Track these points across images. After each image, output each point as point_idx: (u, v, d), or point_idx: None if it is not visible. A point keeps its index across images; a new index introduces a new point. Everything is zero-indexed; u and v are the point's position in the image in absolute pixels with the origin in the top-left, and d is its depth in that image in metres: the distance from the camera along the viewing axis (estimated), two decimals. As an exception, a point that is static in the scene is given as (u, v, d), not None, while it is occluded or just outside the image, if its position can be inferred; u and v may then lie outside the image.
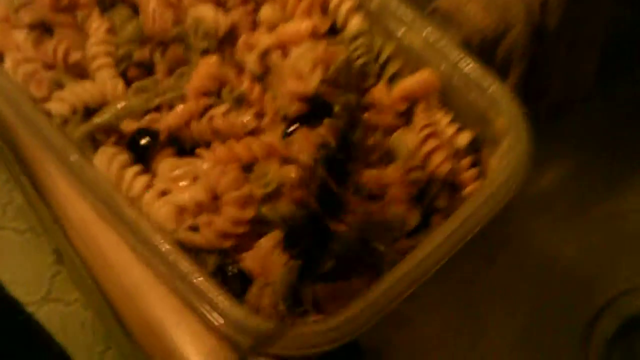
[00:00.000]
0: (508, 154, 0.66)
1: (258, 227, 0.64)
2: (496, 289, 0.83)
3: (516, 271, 0.83)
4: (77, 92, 0.67)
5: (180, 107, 0.67)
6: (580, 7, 0.95)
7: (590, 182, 0.98)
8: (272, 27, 0.74)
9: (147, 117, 0.67)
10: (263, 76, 0.72)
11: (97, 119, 0.67)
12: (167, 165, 0.64)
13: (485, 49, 0.92)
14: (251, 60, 0.72)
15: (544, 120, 0.98)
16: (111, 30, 0.72)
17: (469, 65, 0.70)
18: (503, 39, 0.91)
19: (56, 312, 1.17)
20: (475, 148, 0.72)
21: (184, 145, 0.68)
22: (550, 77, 1.02)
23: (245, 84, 0.69)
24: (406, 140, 0.70)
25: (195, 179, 0.64)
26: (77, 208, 0.70)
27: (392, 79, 0.72)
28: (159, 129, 0.66)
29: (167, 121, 0.66)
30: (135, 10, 0.74)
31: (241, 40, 0.73)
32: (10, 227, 1.23)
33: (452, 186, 0.71)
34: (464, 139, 0.72)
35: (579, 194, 0.91)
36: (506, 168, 0.64)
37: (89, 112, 0.68)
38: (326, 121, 0.66)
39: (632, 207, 0.95)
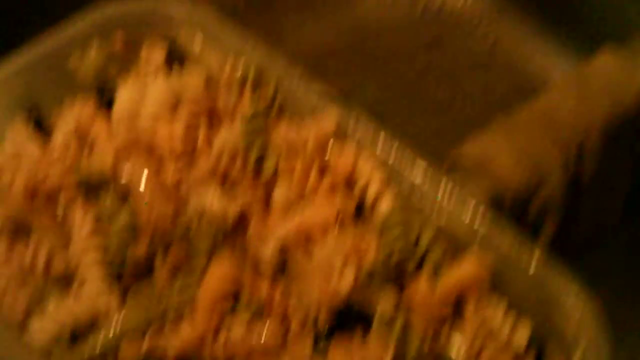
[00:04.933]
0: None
1: None
2: None
3: None
4: (61, 318, 0.54)
5: (189, 329, 0.55)
6: (613, 149, 0.86)
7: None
8: (287, 211, 0.63)
9: (149, 340, 0.55)
10: (282, 274, 0.61)
11: (88, 348, 0.54)
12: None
13: (518, 207, 0.82)
14: (268, 256, 0.60)
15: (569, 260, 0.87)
16: (97, 230, 0.60)
17: (526, 254, 0.59)
18: (537, 195, 0.81)
19: None
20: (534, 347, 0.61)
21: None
22: (580, 222, 0.92)
23: (264, 290, 0.58)
24: (458, 345, 0.59)
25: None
26: None
27: (436, 270, 0.61)
28: (164, 355, 0.54)
29: (175, 346, 0.54)
30: (126, 198, 0.62)
31: (252, 231, 0.62)
32: None
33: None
34: (523, 337, 0.60)
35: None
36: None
37: (75, 336, 0.55)
38: (373, 341, 0.55)
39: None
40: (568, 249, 0.91)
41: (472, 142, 0.81)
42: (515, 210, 0.80)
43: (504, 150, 0.80)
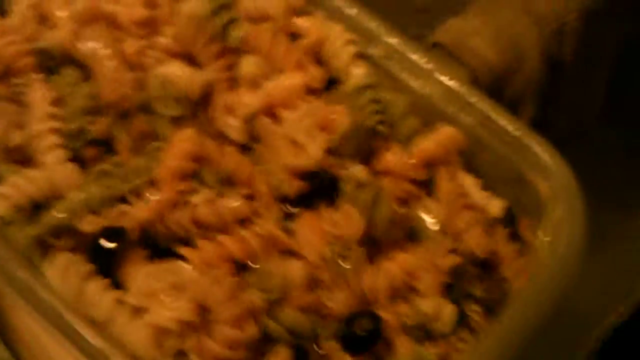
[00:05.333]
0: (563, 231, 0.53)
1: (260, 344, 0.50)
2: None
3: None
4: (20, 186, 0.52)
5: (153, 197, 0.52)
6: (595, 30, 0.83)
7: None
8: (255, 85, 0.60)
9: (111, 212, 0.53)
10: (249, 145, 0.59)
11: (48, 219, 0.52)
12: (141, 274, 0.50)
13: (494, 88, 0.80)
14: (234, 127, 0.58)
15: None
16: (58, 101, 0.58)
17: (501, 119, 0.57)
18: (515, 75, 0.79)
19: None
20: (508, 218, 0.60)
21: (158, 244, 0.54)
22: (561, 108, 0.90)
23: (230, 161, 0.55)
24: (431, 214, 0.57)
25: (178, 288, 0.50)
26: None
27: (407, 140, 0.59)
28: (126, 226, 0.52)
29: (137, 216, 0.52)
30: (87, 72, 0.60)
31: (219, 102, 0.59)
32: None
33: (487, 266, 0.58)
34: (497, 207, 0.59)
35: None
36: (566, 250, 0.52)
37: (36, 208, 0.53)
38: (344, 206, 0.53)
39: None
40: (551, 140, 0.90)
41: (449, 22, 0.79)
42: (491, 91, 0.78)
43: (481, 30, 0.77)
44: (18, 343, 0.62)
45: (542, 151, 0.56)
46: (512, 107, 0.81)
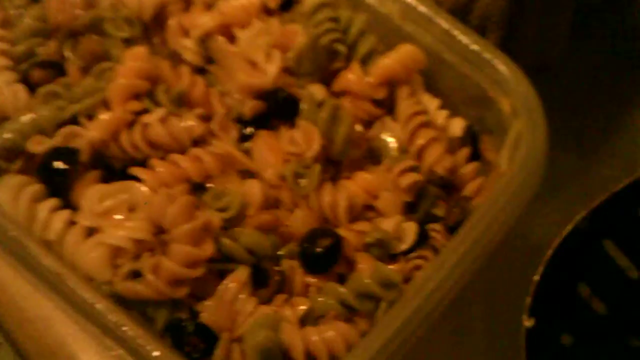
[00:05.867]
0: (523, 144, 0.52)
1: (218, 264, 0.49)
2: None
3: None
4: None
5: (104, 116, 0.51)
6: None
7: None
8: (208, 6, 0.59)
9: (62, 132, 0.51)
10: (205, 68, 0.57)
11: (-1, 139, 0.50)
12: (94, 194, 0.49)
13: (456, 12, 0.78)
14: (189, 49, 0.57)
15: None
16: (5, 23, 0.56)
17: (462, 36, 0.56)
18: (477, 1, 0.77)
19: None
20: (469, 137, 0.59)
21: (112, 166, 0.52)
22: (526, 40, 0.89)
23: (184, 80, 0.54)
24: (392, 134, 0.56)
25: (132, 209, 0.49)
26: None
27: (366, 59, 0.57)
28: (78, 146, 0.51)
29: (88, 135, 0.51)
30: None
31: (172, 23, 0.58)
32: None
33: (448, 186, 0.57)
34: (458, 127, 0.58)
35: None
36: (525, 162, 0.51)
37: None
38: (302, 123, 0.52)
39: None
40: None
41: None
42: (455, 16, 0.76)
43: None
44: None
45: (502, 66, 0.55)
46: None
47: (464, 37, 0.56)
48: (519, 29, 0.84)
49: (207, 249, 0.48)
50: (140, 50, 0.53)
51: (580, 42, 0.97)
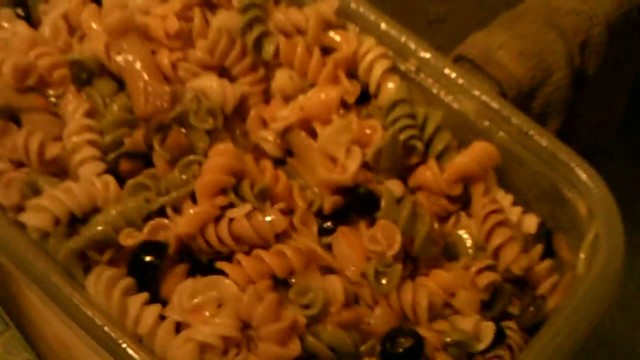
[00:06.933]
0: (601, 248, 0.53)
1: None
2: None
3: None
4: (59, 198, 0.52)
5: (191, 211, 0.52)
6: (617, 48, 0.83)
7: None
8: (287, 98, 0.60)
9: (150, 225, 0.52)
10: (283, 159, 0.59)
11: (88, 232, 0.52)
12: (185, 290, 0.50)
13: (520, 102, 0.80)
14: (269, 141, 0.58)
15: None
16: (93, 112, 0.57)
17: (537, 136, 0.57)
18: (541, 89, 0.79)
19: None
20: (542, 233, 0.60)
21: (197, 258, 0.53)
22: (582, 123, 0.90)
23: (267, 175, 0.55)
24: (467, 230, 0.57)
25: (219, 305, 0.50)
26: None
27: (442, 154, 0.59)
28: (166, 240, 0.52)
29: (176, 229, 0.52)
30: (120, 83, 0.59)
31: (253, 116, 0.59)
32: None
33: (521, 283, 0.57)
34: (532, 223, 0.59)
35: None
36: (604, 268, 0.51)
37: (75, 221, 0.53)
38: (382, 222, 0.53)
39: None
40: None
41: (474, 35, 0.79)
42: (519, 104, 0.78)
43: (507, 43, 0.78)
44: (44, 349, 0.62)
45: (578, 168, 0.56)
46: (539, 121, 0.81)
47: (539, 137, 0.57)
48: (578, 112, 0.85)
49: (294, 349, 0.49)
50: (226, 147, 0.55)
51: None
